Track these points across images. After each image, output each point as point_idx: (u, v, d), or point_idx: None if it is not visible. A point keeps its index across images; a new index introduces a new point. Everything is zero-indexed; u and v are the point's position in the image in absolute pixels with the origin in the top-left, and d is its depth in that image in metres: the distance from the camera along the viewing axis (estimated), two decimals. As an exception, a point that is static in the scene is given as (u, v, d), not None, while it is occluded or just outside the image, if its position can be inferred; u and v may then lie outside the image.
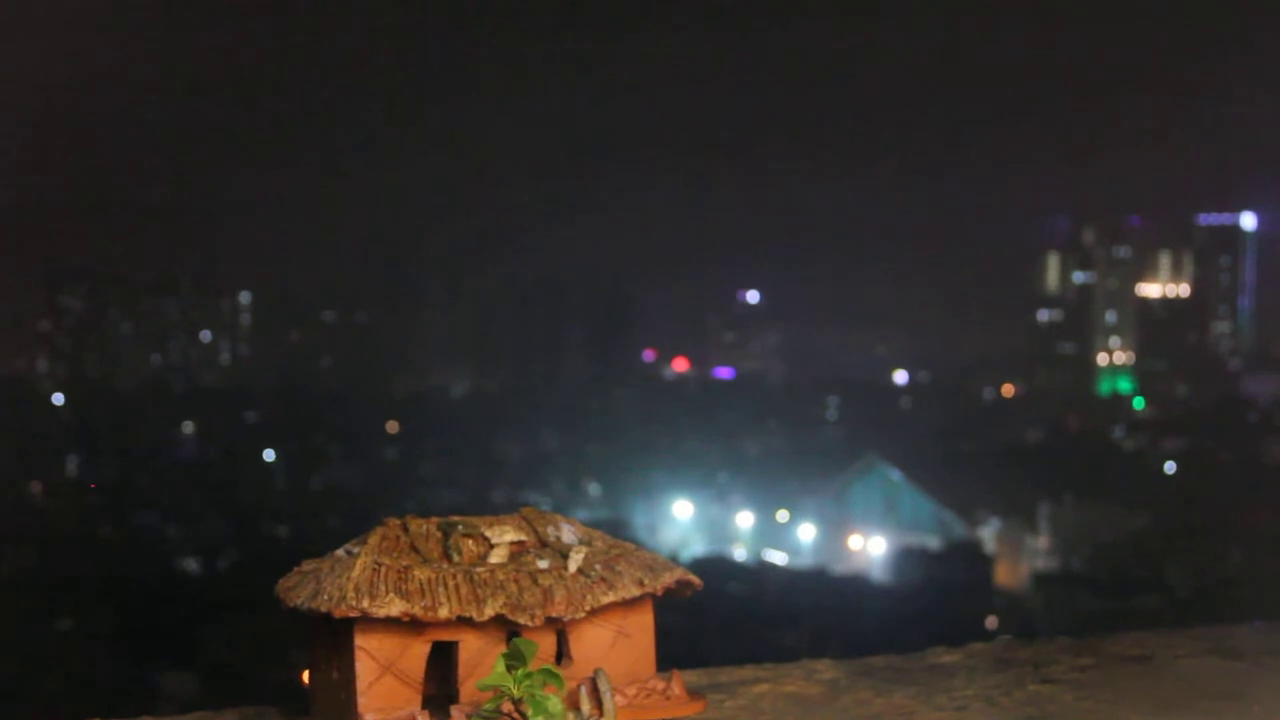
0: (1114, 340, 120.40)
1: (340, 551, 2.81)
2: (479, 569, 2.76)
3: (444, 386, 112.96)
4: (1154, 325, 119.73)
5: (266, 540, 54.49)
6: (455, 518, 2.90)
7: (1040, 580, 60.17)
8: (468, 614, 2.67)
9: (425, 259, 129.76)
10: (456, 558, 2.79)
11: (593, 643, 2.83)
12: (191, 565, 55.43)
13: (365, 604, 2.62)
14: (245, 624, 38.19)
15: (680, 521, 74.16)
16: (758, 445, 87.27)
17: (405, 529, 2.83)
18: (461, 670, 2.73)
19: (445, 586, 2.70)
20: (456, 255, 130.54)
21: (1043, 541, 69.45)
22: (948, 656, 4.00)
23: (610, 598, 2.80)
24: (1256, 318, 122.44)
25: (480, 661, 2.71)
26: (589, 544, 2.90)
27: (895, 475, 76.54)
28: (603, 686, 2.74)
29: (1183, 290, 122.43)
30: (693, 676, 3.49)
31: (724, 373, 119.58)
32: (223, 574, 52.39)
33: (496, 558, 2.81)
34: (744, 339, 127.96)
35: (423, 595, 2.67)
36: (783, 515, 73.43)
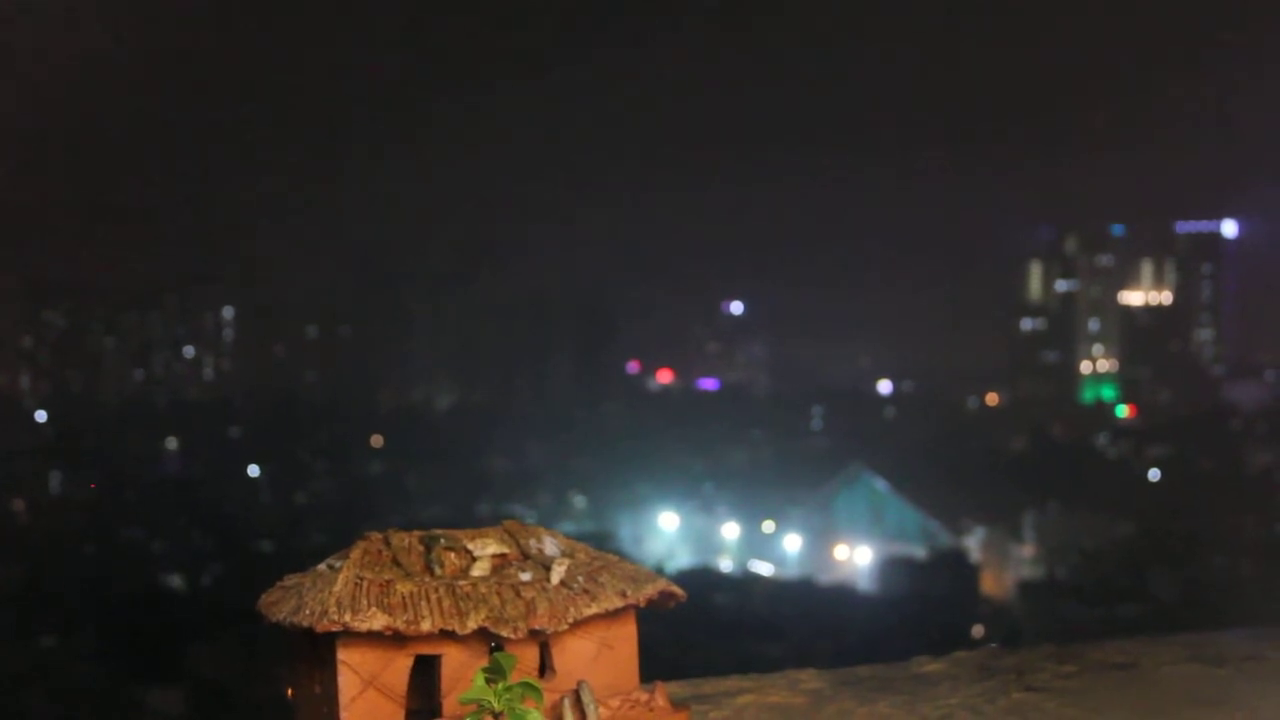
0: (1097, 348, 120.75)
1: (322, 566, 2.80)
2: (461, 582, 2.76)
3: (428, 400, 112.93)
4: (1137, 333, 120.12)
5: (250, 556, 54.32)
6: (437, 531, 2.89)
7: (1025, 589, 60.28)
8: (450, 627, 2.67)
9: (409, 272, 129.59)
10: (439, 571, 2.79)
11: (576, 655, 2.83)
12: (175, 581, 55.29)
13: (347, 618, 2.62)
14: (230, 640, 38.11)
15: (665, 533, 74.15)
16: (743, 456, 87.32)
17: (387, 543, 2.83)
18: (444, 684, 2.72)
19: (428, 600, 2.70)
20: (440, 268, 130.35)
21: (1027, 550, 69.59)
22: (932, 665, 4.01)
23: (593, 609, 2.80)
24: (1238, 325, 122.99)
25: (463, 675, 2.71)
26: (571, 556, 2.90)
27: (880, 485, 76.66)
28: (586, 699, 2.74)
29: (1165, 298, 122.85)
30: (677, 688, 3.49)
31: (708, 384, 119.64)
32: (207, 589, 52.26)
33: (479, 571, 2.81)
34: (728, 350, 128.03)
35: (405, 609, 2.67)
36: (768, 526, 73.47)
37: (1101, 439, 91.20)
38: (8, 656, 39.71)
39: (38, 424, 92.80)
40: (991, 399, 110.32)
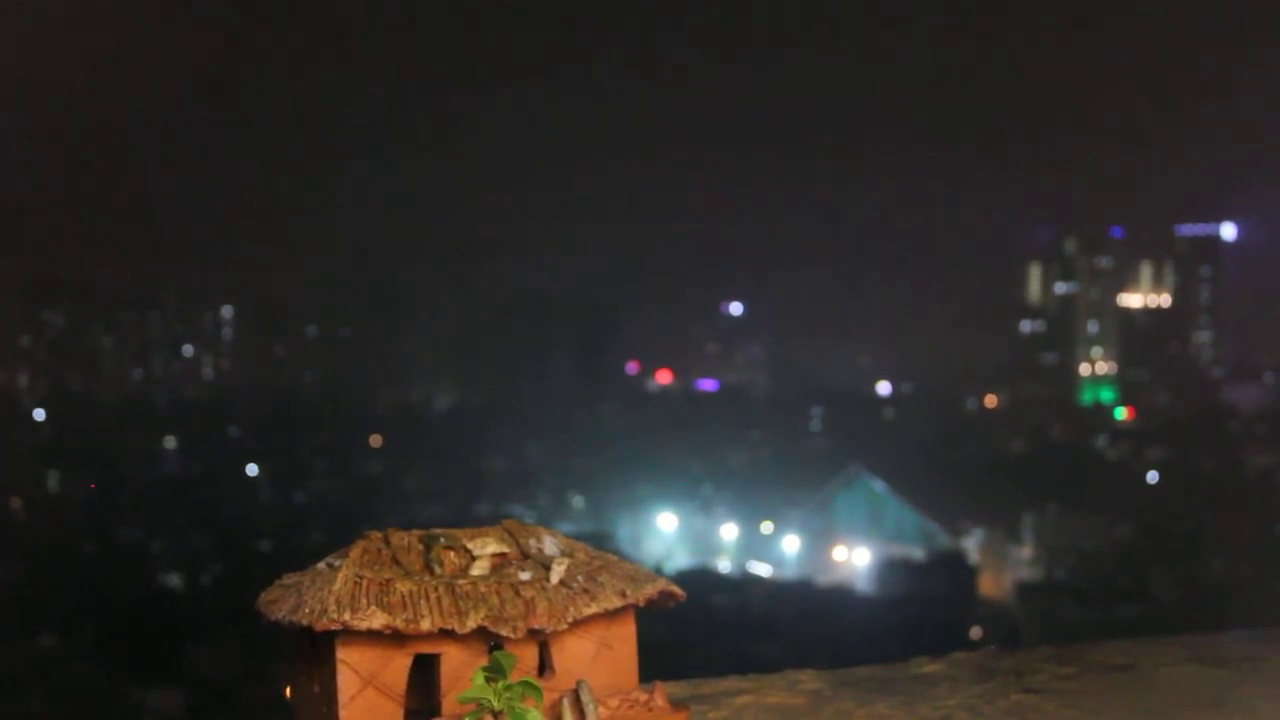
0: (1096, 350, 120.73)
1: (322, 565, 2.80)
2: (461, 581, 2.75)
3: (428, 400, 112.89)
4: (1136, 335, 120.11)
5: (250, 555, 54.31)
6: (437, 530, 2.89)
7: (1024, 590, 60.27)
8: (450, 626, 2.67)
9: (408, 272, 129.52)
10: (438, 570, 2.78)
11: (575, 654, 2.83)
12: (174, 581, 55.27)
13: (347, 617, 2.61)
14: (229, 639, 38.11)
15: (664, 533, 74.13)
16: (742, 457, 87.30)
17: (387, 542, 2.83)
18: (444, 683, 2.72)
19: (427, 599, 2.69)
20: (439, 269, 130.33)
21: (1026, 551, 69.58)
22: (931, 666, 4.01)
23: (592, 609, 2.80)
24: (1237, 327, 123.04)
25: (462, 674, 2.71)
26: (571, 555, 2.90)
27: (879, 486, 76.64)
28: (585, 698, 2.74)
29: (1164, 300, 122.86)
30: (676, 688, 3.49)
31: (708, 385, 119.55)
32: (206, 589, 52.25)
33: (478, 570, 2.81)
34: (728, 351, 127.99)
35: (404, 608, 2.66)
36: (767, 527, 73.45)
37: (1101, 441, 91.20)
38: (8, 656, 39.69)
39: (37, 423, 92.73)
40: (990, 400, 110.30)
